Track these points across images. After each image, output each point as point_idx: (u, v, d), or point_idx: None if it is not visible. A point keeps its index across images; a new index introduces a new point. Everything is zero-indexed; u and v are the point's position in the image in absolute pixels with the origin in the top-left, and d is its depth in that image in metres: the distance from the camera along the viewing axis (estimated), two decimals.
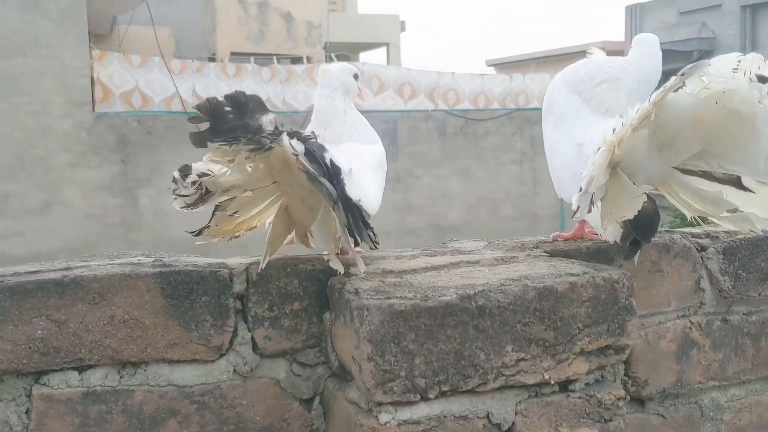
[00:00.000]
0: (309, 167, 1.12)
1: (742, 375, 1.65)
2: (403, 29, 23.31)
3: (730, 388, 1.65)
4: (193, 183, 1.20)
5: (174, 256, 1.38)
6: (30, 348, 1.23)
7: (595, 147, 1.31)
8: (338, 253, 1.30)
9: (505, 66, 31.45)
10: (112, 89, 10.02)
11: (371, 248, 1.30)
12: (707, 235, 1.65)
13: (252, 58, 12.48)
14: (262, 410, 1.33)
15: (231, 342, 1.31)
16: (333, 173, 1.14)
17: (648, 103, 1.21)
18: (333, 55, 14.86)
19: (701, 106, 1.23)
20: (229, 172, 1.20)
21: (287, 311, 1.33)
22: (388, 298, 1.16)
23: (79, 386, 1.24)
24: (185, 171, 1.20)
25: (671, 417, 1.60)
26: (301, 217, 1.33)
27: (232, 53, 16.14)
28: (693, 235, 1.65)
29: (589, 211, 1.34)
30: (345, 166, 1.19)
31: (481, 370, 1.19)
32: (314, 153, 1.13)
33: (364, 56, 22.85)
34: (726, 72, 1.19)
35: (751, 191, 1.35)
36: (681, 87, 1.21)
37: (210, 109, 1.08)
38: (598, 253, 1.53)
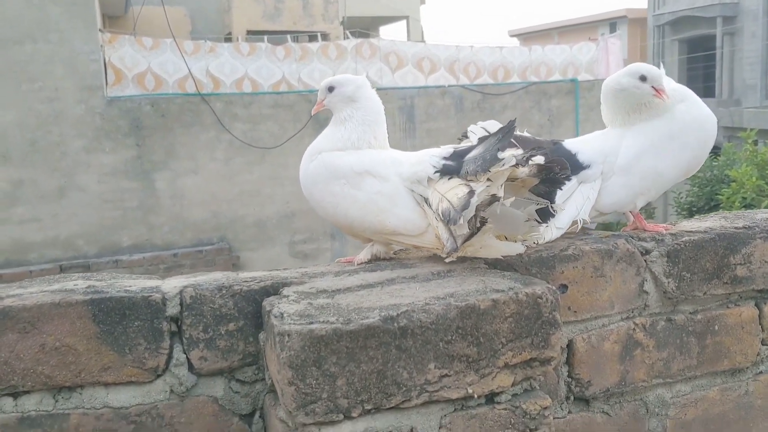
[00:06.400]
0: None
1: (687, 372, 1.67)
2: (422, 1, 22.93)
3: (676, 385, 1.68)
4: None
5: (113, 278, 1.41)
6: None
7: None
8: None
9: (528, 36, 31.00)
10: (124, 72, 10.03)
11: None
12: (652, 238, 1.66)
13: (266, 37, 12.41)
14: (200, 427, 1.36)
15: (167, 363, 1.34)
16: None
17: None
18: (349, 32, 14.71)
19: None
20: None
21: (222, 332, 1.36)
22: (311, 322, 1.19)
23: (13, 412, 1.28)
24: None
25: (616, 414, 1.63)
26: None
27: (248, 31, 16.06)
28: (638, 239, 1.67)
29: None
30: None
31: (404, 388, 1.21)
32: None
33: (383, 30, 22.58)
34: None
35: None
36: None
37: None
38: (539, 262, 1.55)
